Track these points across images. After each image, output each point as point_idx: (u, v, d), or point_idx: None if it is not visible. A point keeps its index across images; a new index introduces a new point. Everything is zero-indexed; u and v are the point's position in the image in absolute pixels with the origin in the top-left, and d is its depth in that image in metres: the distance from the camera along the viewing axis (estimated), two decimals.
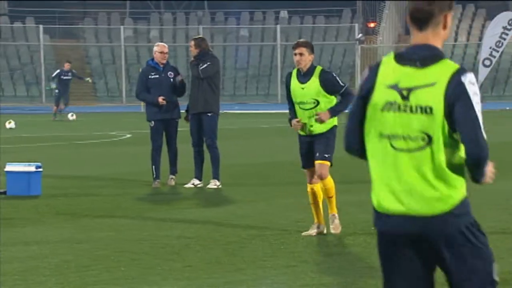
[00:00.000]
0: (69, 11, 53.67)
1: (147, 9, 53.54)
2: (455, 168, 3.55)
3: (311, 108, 8.83)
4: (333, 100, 8.95)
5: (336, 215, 9.00)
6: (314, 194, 8.90)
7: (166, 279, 7.05)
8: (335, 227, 8.95)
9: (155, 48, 13.27)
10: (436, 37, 3.58)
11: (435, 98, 3.50)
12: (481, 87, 46.86)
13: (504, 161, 16.01)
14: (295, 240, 8.60)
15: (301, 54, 8.74)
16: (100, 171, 15.13)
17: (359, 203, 10.85)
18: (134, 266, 7.49)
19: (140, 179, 13.53)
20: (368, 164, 3.67)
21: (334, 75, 8.98)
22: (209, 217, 10.14)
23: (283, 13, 52.42)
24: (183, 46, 50.83)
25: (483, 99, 41.24)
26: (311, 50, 8.84)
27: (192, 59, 12.83)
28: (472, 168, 3.54)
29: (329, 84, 8.83)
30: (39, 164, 12.12)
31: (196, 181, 12.75)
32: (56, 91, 32.95)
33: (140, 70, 13.99)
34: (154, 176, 12.91)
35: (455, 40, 51.22)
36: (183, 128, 13.75)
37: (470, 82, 3.53)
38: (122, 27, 49.72)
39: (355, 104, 3.66)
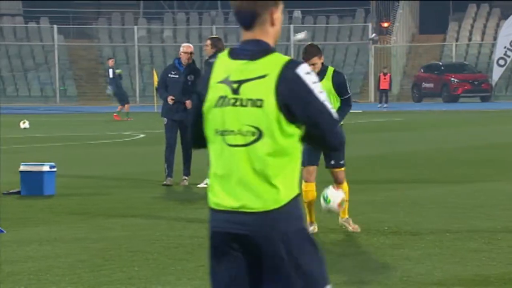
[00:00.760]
0: (83, 11, 53.82)
1: (161, 9, 53.63)
2: (288, 163, 3.42)
3: None
4: (338, 101, 9.00)
5: (349, 218, 9.05)
6: (309, 193, 8.89)
7: (179, 279, 7.06)
8: (355, 227, 8.99)
9: (180, 48, 13.34)
10: (265, 34, 3.47)
11: (266, 91, 3.39)
12: (495, 87, 46.77)
13: None
14: None
15: (314, 65, 8.79)
16: (114, 171, 15.16)
17: (372, 203, 10.83)
18: (148, 266, 7.50)
19: (153, 179, 13.55)
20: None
21: (345, 78, 9.08)
22: None
23: (297, 13, 52.39)
24: (196, 46, 50.79)
25: (497, 98, 40.59)
26: (321, 54, 8.89)
27: (207, 58, 12.81)
28: (331, 152, 3.54)
29: (340, 86, 8.93)
30: (53, 164, 12.16)
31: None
32: (110, 91, 32.10)
33: (154, 70, 14.05)
34: (166, 173, 12.97)
35: (469, 39, 51.04)
36: None
37: (305, 72, 3.42)
38: (135, 27, 49.82)
39: (194, 101, 3.60)
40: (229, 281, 3.48)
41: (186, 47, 13.18)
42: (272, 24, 3.50)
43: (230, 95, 3.45)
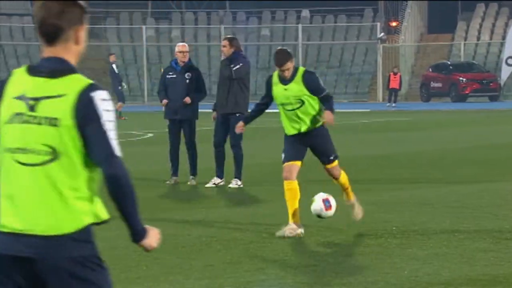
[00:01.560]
0: (91, 11, 53.89)
1: (169, 9, 53.69)
2: (85, 186, 3.37)
3: (295, 109, 8.82)
4: (316, 99, 8.93)
5: (355, 201, 9.02)
6: (292, 191, 8.81)
7: (187, 278, 7.08)
8: (357, 214, 8.98)
9: (175, 48, 13.39)
10: (67, 52, 3.42)
11: (63, 110, 3.33)
12: (504, 86, 46.65)
13: None
14: (316, 240, 8.60)
15: (288, 70, 8.83)
16: None
17: (379, 203, 10.83)
18: (155, 265, 7.51)
19: (161, 178, 13.57)
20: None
21: (318, 76, 9.02)
22: (230, 216, 10.16)
23: (305, 13, 52.37)
24: (204, 45, 50.92)
25: (506, 98, 40.21)
26: (291, 57, 8.90)
27: (224, 58, 12.79)
28: (113, 190, 3.36)
29: (312, 85, 8.84)
30: None
31: (218, 180, 12.78)
32: (125, 86, 31.98)
33: (162, 69, 14.10)
34: (171, 173, 13.05)
35: (478, 39, 50.94)
36: (203, 127, 13.76)
37: (101, 98, 3.37)
38: (144, 26, 49.89)
39: None
40: None
41: (180, 47, 13.24)
42: (77, 42, 3.45)
43: (27, 112, 3.36)
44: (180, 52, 13.10)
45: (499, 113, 35.07)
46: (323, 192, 8.95)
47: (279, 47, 9.27)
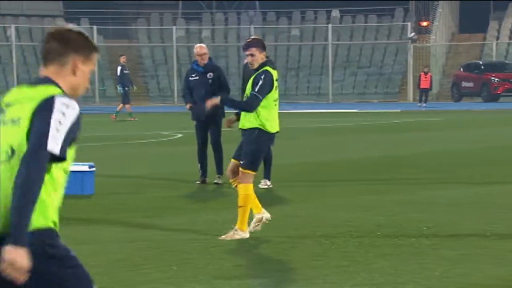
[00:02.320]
0: (122, 12, 54.18)
1: (199, 10, 53.81)
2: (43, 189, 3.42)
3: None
4: (268, 103, 8.64)
5: (237, 228, 8.70)
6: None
7: (217, 278, 7.07)
8: (228, 236, 8.66)
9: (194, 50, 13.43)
10: (60, 78, 3.58)
11: (26, 111, 3.48)
12: None
13: None
14: (346, 240, 8.56)
15: (252, 55, 8.66)
16: (152, 170, 15.24)
17: (411, 203, 10.76)
18: (185, 265, 7.52)
19: (190, 178, 13.60)
20: None
21: (263, 77, 8.62)
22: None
23: (335, 12, 52.23)
24: (234, 46, 50.95)
25: None
26: (263, 48, 8.70)
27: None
28: (17, 177, 3.39)
29: (254, 79, 8.63)
30: (92, 163, 12.25)
31: (268, 182, 12.80)
32: (126, 88, 32.20)
33: None
34: (200, 173, 13.10)
35: (510, 38, 50.49)
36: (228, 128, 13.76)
37: (61, 102, 3.49)
38: (174, 27, 50.04)
39: None
40: None
41: (197, 48, 13.23)
42: (73, 73, 3.56)
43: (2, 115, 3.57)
44: (198, 55, 13.14)
45: None
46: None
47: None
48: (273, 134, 8.75)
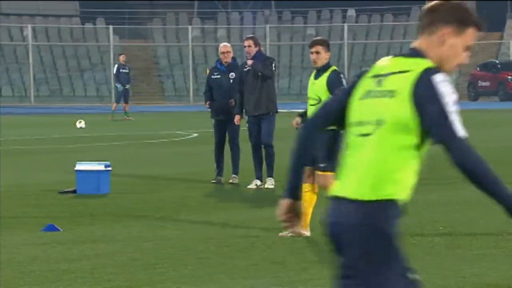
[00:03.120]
0: (138, 12, 54.29)
1: (215, 9, 53.84)
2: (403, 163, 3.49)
3: (313, 105, 8.81)
4: None
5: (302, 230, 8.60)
6: (306, 194, 8.70)
7: (231, 278, 7.07)
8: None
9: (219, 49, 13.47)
10: (428, 48, 3.53)
11: (402, 84, 3.44)
12: None
13: None
14: None
15: (317, 53, 8.76)
16: (167, 170, 15.26)
17: (426, 202, 10.72)
18: (200, 265, 7.53)
19: (206, 178, 13.61)
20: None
21: (341, 77, 8.78)
22: (274, 216, 10.12)
23: (351, 12, 52.15)
24: None
25: None
26: (327, 48, 8.84)
27: (248, 59, 12.63)
28: (465, 175, 3.45)
29: (332, 84, 8.69)
30: (108, 163, 12.28)
31: (258, 182, 12.75)
32: (118, 86, 32.14)
33: (207, 70, 14.15)
34: (216, 172, 13.10)
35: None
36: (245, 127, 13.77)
37: (440, 80, 3.43)
38: (189, 27, 50.09)
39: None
40: None
41: (222, 47, 13.25)
42: (441, 44, 3.51)
43: (374, 88, 3.49)
44: (221, 53, 13.14)
45: None
46: None
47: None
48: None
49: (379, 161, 3.41)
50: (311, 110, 8.85)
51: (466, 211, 10.10)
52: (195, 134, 23.82)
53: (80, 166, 12.13)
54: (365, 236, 3.45)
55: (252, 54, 12.50)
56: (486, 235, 8.65)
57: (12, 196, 11.75)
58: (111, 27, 48.61)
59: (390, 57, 3.61)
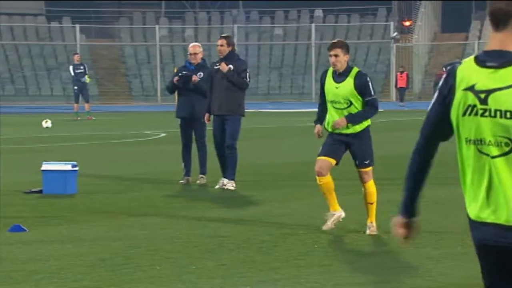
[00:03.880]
0: (105, 11, 54.02)
1: (182, 9, 53.72)
2: None
3: (343, 108, 8.88)
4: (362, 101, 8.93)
5: (374, 223, 8.94)
6: (324, 186, 8.88)
7: (200, 277, 7.07)
8: (372, 231, 8.92)
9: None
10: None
11: None
12: None
13: None
14: (328, 239, 8.58)
15: (336, 56, 8.77)
16: (135, 170, 15.21)
17: (394, 202, 10.78)
18: (168, 265, 7.51)
19: (174, 178, 13.58)
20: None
21: (369, 79, 8.93)
22: (243, 216, 10.15)
23: (318, 12, 52.30)
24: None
25: None
26: (347, 50, 8.86)
27: (219, 59, 12.58)
28: None
29: (362, 87, 8.83)
30: (75, 163, 12.21)
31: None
32: (75, 88, 31.97)
33: (175, 69, 14.11)
34: (184, 172, 13.08)
35: (479, 38, 50.71)
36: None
37: None
38: (157, 26, 49.93)
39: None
40: None
41: (191, 48, 13.24)
42: None
43: (478, 105, 3.36)
44: (190, 54, 13.16)
45: None
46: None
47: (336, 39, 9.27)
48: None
49: None
50: (336, 114, 8.90)
51: (432, 211, 10.18)
52: (163, 134, 23.75)
53: (46, 166, 12.05)
54: None
55: (225, 54, 12.46)
56: (452, 234, 8.73)
57: None
58: (77, 26, 48.32)
59: (473, 63, 3.40)
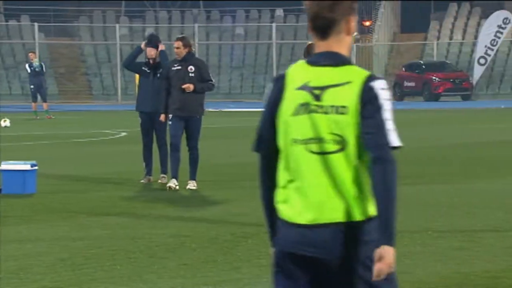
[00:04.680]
0: (64, 9, 53.60)
1: (143, 8, 53.51)
2: (355, 180, 3.40)
3: None
4: None
5: None
6: None
7: (161, 277, 7.05)
8: None
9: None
10: (340, 44, 3.41)
11: (350, 98, 3.34)
12: (476, 85, 46.98)
13: (500, 160, 16.03)
14: None
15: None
16: (96, 169, 15.12)
17: None
18: (129, 265, 7.48)
19: (135, 177, 13.52)
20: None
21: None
22: (204, 215, 10.14)
23: (279, 12, 52.42)
24: None
25: (477, 97, 40.85)
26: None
27: (177, 61, 12.46)
28: (377, 176, 3.40)
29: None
30: (34, 162, 12.11)
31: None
32: (31, 86, 31.61)
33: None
34: (145, 172, 13.03)
35: (451, 38, 51.24)
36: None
37: (381, 87, 3.39)
38: (117, 25, 49.67)
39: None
40: None
41: (147, 52, 13.25)
42: (348, 33, 3.41)
43: (312, 102, 3.35)
44: (147, 57, 13.25)
45: (471, 112, 35.32)
46: None
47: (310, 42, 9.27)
48: None
49: (355, 180, 3.36)
50: None
51: None
52: (124, 133, 23.64)
53: (5, 166, 11.94)
54: None
55: (182, 56, 12.42)
56: (412, 232, 8.80)
57: None
58: (36, 24, 47.90)
59: (303, 63, 3.42)
